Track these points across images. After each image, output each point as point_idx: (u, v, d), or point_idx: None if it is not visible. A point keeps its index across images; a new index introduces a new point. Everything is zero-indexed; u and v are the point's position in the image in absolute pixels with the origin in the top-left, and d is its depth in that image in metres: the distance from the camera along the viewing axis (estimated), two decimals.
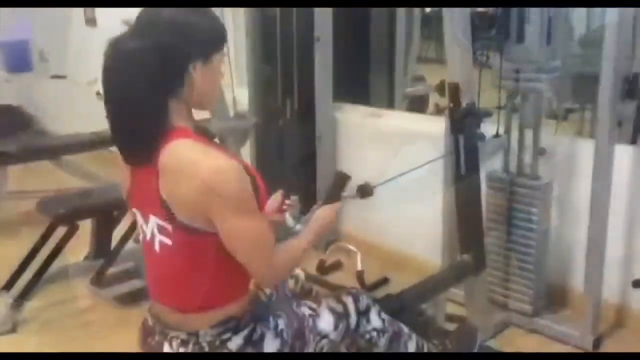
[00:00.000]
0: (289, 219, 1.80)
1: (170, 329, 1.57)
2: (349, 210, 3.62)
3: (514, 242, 2.74)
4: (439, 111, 3.82)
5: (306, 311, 1.73)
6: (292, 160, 3.64)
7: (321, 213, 1.73)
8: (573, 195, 2.79)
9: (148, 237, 1.55)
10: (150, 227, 1.52)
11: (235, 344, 1.55)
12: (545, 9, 2.39)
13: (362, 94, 3.87)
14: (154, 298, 1.63)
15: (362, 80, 3.97)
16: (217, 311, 1.54)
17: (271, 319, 1.66)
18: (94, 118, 4.74)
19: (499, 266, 2.80)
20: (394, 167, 3.33)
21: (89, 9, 5.83)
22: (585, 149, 2.68)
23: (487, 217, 2.78)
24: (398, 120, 3.57)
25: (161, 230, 1.50)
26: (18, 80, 6.86)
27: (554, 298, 2.88)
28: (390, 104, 4.01)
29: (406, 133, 3.33)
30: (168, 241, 1.50)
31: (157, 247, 1.53)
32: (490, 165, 2.75)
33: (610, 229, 2.57)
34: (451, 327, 2.43)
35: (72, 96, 6.13)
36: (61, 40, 6.36)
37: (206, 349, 1.54)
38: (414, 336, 1.99)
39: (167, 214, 1.45)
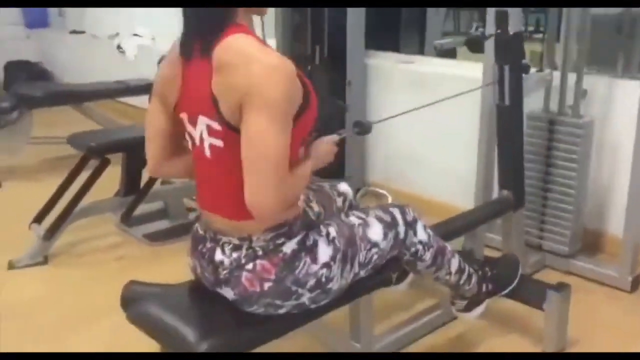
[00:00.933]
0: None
1: (223, 235, 1.55)
2: (376, 158, 3.69)
3: (553, 182, 2.70)
4: None
5: (355, 220, 1.72)
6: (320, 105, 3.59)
7: (318, 143, 1.66)
8: (614, 138, 2.75)
9: (197, 141, 1.52)
10: (199, 129, 1.49)
11: (289, 248, 1.53)
12: None
13: (393, 44, 3.81)
14: (204, 207, 1.61)
15: (393, 31, 3.91)
16: None
17: (322, 227, 1.64)
18: (113, 72, 4.79)
19: (535, 207, 2.76)
20: (429, 108, 3.34)
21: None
22: (629, 90, 2.63)
23: (526, 157, 2.73)
24: (429, 65, 3.52)
25: (211, 131, 1.46)
26: (37, 36, 6.85)
27: (589, 242, 2.85)
28: (421, 53, 3.94)
29: (438, 77, 3.28)
30: (219, 143, 1.46)
31: (207, 151, 1.50)
32: (531, 104, 2.71)
33: None
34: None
35: (92, 51, 6.10)
36: None
37: (259, 253, 1.52)
38: (457, 255, 1.98)
39: (216, 111, 1.42)
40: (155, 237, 3.07)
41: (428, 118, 3.37)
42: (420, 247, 1.85)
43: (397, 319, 2.31)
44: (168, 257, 2.82)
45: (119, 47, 5.62)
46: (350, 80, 3.48)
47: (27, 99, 3.90)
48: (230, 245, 1.54)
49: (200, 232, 1.62)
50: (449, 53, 4.32)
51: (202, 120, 1.47)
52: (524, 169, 2.56)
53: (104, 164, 2.88)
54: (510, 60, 2.25)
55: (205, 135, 1.48)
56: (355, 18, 3.39)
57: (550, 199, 2.73)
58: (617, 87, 2.74)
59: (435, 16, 4.01)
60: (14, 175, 4.00)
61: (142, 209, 3.18)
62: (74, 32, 6.43)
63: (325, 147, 1.67)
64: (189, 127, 1.53)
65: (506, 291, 2.17)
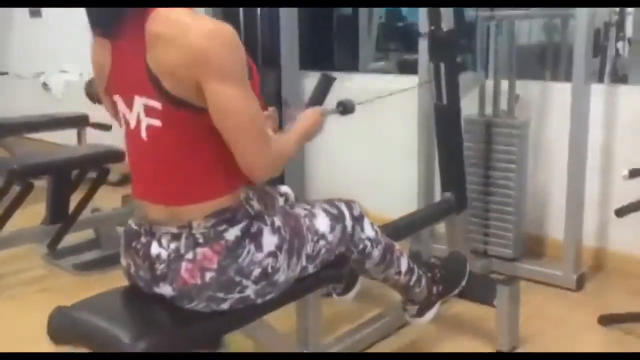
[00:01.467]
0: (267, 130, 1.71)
1: (160, 225, 1.44)
2: (317, 177, 3.63)
3: (494, 184, 2.70)
4: None
5: (301, 211, 1.64)
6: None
7: (307, 113, 1.65)
8: (550, 141, 2.79)
9: (133, 124, 1.42)
10: (136, 111, 1.40)
11: (232, 235, 1.43)
12: None
13: (328, 64, 3.82)
14: (140, 196, 1.50)
15: (327, 51, 3.93)
16: (211, 202, 1.43)
17: (266, 216, 1.55)
18: (39, 110, 4.60)
19: (478, 213, 2.75)
20: (362, 124, 3.33)
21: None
22: (560, 92, 2.69)
23: (466, 162, 2.73)
24: (364, 81, 3.52)
25: (149, 111, 1.38)
26: None
27: (532, 245, 2.86)
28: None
29: (375, 91, 3.27)
30: (157, 122, 1.38)
31: (144, 133, 1.41)
32: (466, 109, 2.72)
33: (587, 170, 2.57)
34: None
35: (17, 91, 5.87)
36: (3, 37, 6.12)
37: (200, 240, 1.41)
38: (405, 254, 1.92)
39: (155, 87, 1.34)
40: (85, 267, 2.89)
41: (367, 132, 3.38)
42: (368, 243, 1.78)
43: (346, 328, 2.22)
44: (99, 287, 2.62)
45: (44, 84, 5.43)
46: (286, 98, 3.44)
47: None
48: (168, 236, 1.43)
49: (134, 227, 1.50)
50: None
51: (139, 101, 1.38)
52: (465, 173, 2.56)
53: (27, 189, 2.70)
54: (445, 58, 2.26)
55: (142, 116, 1.39)
56: (289, 39, 3.38)
57: (492, 203, 2.73)
58: (549, 91, 2.79)
59: (366, 34, 4.05)
60: None
61: (72, 238, 3.00)
62: None
63: (315, 116, 1.64)
64: (122, 109, 1.44)
65: (456, 291, 2.12)
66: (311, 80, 3.55)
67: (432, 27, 2.23)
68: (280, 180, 3.47)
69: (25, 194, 2.71)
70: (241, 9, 3.46)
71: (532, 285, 2.63)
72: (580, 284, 2.59)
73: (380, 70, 4.38)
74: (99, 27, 1.40)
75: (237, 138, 1.35)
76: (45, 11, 5.55)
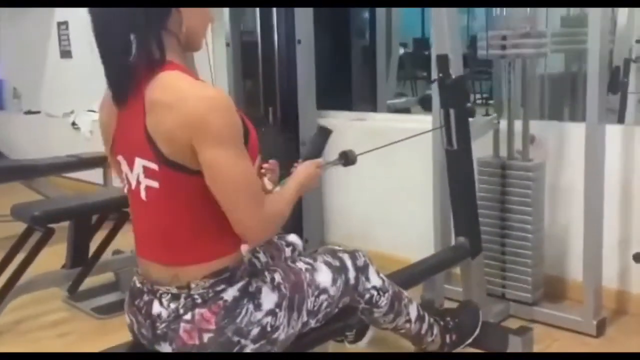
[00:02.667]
0: (267, 182, 1.73)
1: (161, 285, 1.46)
2: (334, 218, 3.64)
3: (510, 227, 2.66)
4: None
5: (302, 266, 1.65)
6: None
7: (303, 167, 1.65)
8: (567, 182, 2.75)
9: (134, 185, 1.45)
10: (136, 172, 1.43)
11: (230, 295, 1.45)
12: None
13: (345, 102, 3.85)
14: (142, 255, 1.53)
15: (345, 90, 3.95)
16: (209, 263, 1.44)
17: (266, 273, 1.56)
18: (69, 149, 4.71)
19: (494, 255, 2.72)
20: (379, 164, 3.33)
21: (64, 42, 5.80)
22: (576, 132, 2.66)
23: (481, 204, 2.71)
24: (382, 121, 3.54)
25: (147, 172, 1.41)
26: None
27: (551, 288, 2.80)
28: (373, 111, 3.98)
29: (391, 132, 3.28)
30: (155, 184, 1.40)
31: (143, 194, 1.44)
32: (481, 151, 2.71)
33: (605, 211, 2.52)
34: None
35: (47, 130, 6.04)
36: (35, 77, 6.32)
37: (198, 301, 1.43)
38: (414, 302, 1.91)
39: (152, 151, 1.37)
40: (104, 310, 2.93)
41: (383, 174, 3.38)
42: (374, 292, 1.77)
43: None
44: (117, 329, 2.65)
45: (73, 123, 5.58)
46: (304, 140, 3.47)
47: None
48: (169, 296, 1.45)
49: (138, 284, 1.52)
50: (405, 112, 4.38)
51: (139, 162, 1.42)
52: (480, 216, 2.53)
53: (48, 235, 2.75)
54: (455, 104, 2.25)
55: (141, 177, 1.42)
56: (306, 80, 3.42)
57: (509, 246, 2.68)
58: (565, 131, 2.76)
59: (383, 78, 4.07)
60: None
61: (91, 281, 3.05)
62: (29, 112, 6.38)
63: (309, 170, 1.64)
64: (125, 169, 1.47)
65: (469, 340, 2.09)
66: (328, 122, 3.59)
67: (440, 74, 2.23)
68: (299, 232, 3.50)
69: (46, 240, 2.76)
70: (259, 51, 3.53)
71: (551, 330, 2.57)
72: (600, 330, 2.52)
73: (401, 107, 4.41)
74: (119, 99, 1.43)
75: (230, 201, 1.36)
76: (75, 52, 5.72)
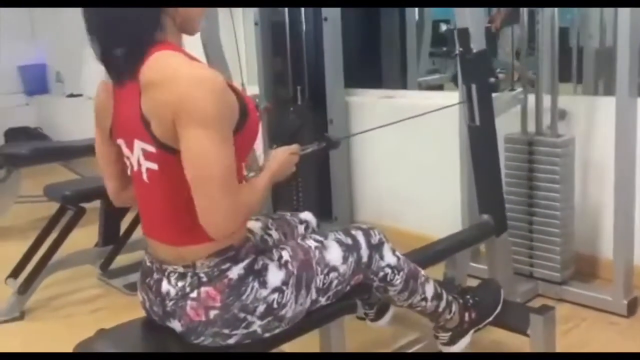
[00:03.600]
0: (244, 168, 1.69)
1: (168, 264, 1.48)
2: (364, 197, 3.62)
3: (537, 205, 2.61)
4: None
5: (312, 243, 1.63)
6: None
7: (278, 153, 1.60)
8: (598, 158, 2.67)
9: (135, 167, 1.46)
10: (136, 154, 1.44)
11: (235, 273, 1.45)
12: None
13: (374, 80, 3.80)
14: (149, 235, 1.54)
15: (374, 67, 3.91)
16: (213, 243, 1.43)
17: (274, 251, 1.56)
18: None
19: (522, 234, 2.67)
20: (407, 141, 3.29)
21: None
22: (607, 106, 2.57)
23: (508, 182, 2.66)
24: (410, 98, 3.49)
25: (146, 155, 1.41)
26: (36, 102, 6.96)
27: (582, 267, 2.73)
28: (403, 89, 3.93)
29: (420, 109, 3.23)
30: (154, 166, 1.41)
31: (145, 176, 1.44)
32: (509, 127, 2.65)
33: (638, 187, 2.44)
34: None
35: (88, 112, 6.13)
36: (76, 61, 6.44)
37: (204, 280, 1.44)
38: (431, 280, 1.88)
39: (148, 132, 1.36)
40: (135, 287, 2.96)
41: (412, 152, 3.34)
42: (389, 270, 1.75)
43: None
44: None
45: None
46: (332, 119, 3.46)
47: (12, 157, 3.90)
48: (176, 275, 1.46)
49: (148, 263, 1.55)
50: (437, 89, 4.30)
51: (138, 144, 1.42)
52: (506, 193, 2.49)
53: (79, 214, 2.83)
54: (477, 79, 2.20)
55: (142, 159, 1.43)
56: (333, 58, 3.39)
57: (537, 224, 2.63)
58: (596, 106, 2.67)
59: (413, 55, 4.00)
60: (1, 235, 3.96)
61: (123, 259, 3.12)
62: (71, 95, 6.53)
63: (283, 156, 1.59)
64: (126, 152, 1.48)
65: (490, 319, 2.05)
66: (357, 99, 3.56)
67: (461, 49, 2.18)
68: (328, 211, 3.50)
69: (78, 219, 2.83)
70: (287, 29, 3.52)
71: (580, 310, 2.52)
72: (632, 309, 2.46)
73: (434, 84, 4.33)
74: (120, 76, 1.41)
75: (200, 188, 1.31)
76: None
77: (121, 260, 3.10)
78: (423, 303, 1.87)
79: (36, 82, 7.02)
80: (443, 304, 1.91)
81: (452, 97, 3.20)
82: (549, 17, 2.51)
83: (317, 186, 3.57)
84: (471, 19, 2.20)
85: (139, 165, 1.44)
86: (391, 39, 3.94)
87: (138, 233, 3.19)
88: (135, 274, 3.07)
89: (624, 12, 2.23)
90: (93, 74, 6.37)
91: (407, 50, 3.92)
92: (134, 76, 1.37)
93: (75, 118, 6.40)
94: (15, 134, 6.56)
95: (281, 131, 3.58)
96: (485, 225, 2.38)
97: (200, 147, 1.29)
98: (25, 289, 2.75)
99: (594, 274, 2.75)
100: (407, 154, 3.36)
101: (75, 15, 5.97)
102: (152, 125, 1.35)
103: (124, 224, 3.09)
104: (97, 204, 3.03)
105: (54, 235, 2.90)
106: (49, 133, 6.71)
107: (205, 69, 1.35)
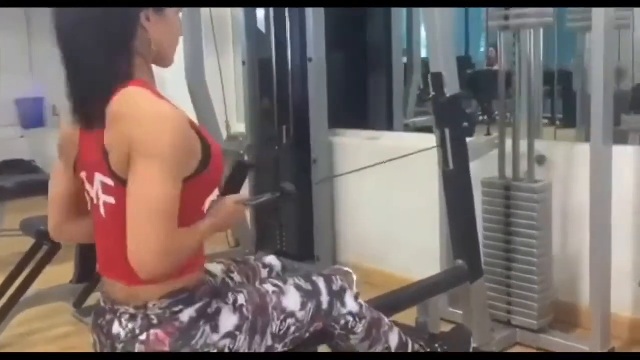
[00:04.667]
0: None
1: (120, 305, 1.45)
2: (346, 238, 3.59)
3: (515, 251, 2.58)
4: None
5: (270, 288, 1.60)
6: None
7: (225, 202, 1.51)
8: (574, 203, 2.65)
9: (95, 201, 1.45)
10: (96, 187, 1.42)
11: (187, 316, 1.42)
12: None
13: (360, 121, 3.81)
14: (103, 273, 1.52)
15: (360, 108, 3.92)
16: (167, 284, 1.40)
17: (230, 294, 1.53)
18: None
19: (499, 279, 2.63)
20: (391, 183, 3.28)
21: None
22: (584, 153, 2.56)
23: (485, 226, 2.64)
24: (396, 140, 3.49)
25: (105, 188, 1.39)
26: (32, 136, 6.99)
27: (562, 315, 2.69)
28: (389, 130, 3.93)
29: (405, 151, 3.23)
30: (111, 200, 1.39)
31: (102, 211, 1.42)
32: (486, 171, 2.64)
33: (615, 236, 2.41)
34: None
35: None
36: None
37: (155, 322, 1.41)
38: (396, 329, 1.84)
39: (107, 165, 1.35)
40: None
41: (396, 195, 3.33)
42: (350, 318, 1.72)
43: None
44: None
45: None
46: (315, 158, 3.45)
47: None
48: (127, 316, 1.43)
49: (102, 304, 1.52)
50: (427, 131, 4.29)
51: (98, 177, 1.40)
52: (483, 238, 2.47)
53: (54, 250, 2.80)
54: (450, 123, 2.20)
55: (100, 193, 1.41)
56: (318, 98, 3.40)
57: (514, 270, 2.59)
58: (573, 152, 2.67)
59: (400, 96, 4.02)
60: None
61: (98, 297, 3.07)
62: None
63: (229, 206, 1.52)
64: (87, 186, 1.46)
65: None
66: (342, 140, 3.56)
67: (434, 93, 2.18)
68: (310, 251, 3.47)
69: (52, 255, 2.81)
70: (274, 69, 3.54)
71: None
72: None
73: (422, 125, 4.32)
74: (90, 123, 1.38)
75: (135, 223, 1.27)
76: None
77: (96, 297, 3.05)
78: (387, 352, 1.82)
79: (33, 115, 7.07)
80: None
81: (431, 139, 3.21)
82: (526, 58, 2.51)
83: (299, 225, 3.55)
84: (445, 63, 2.21)
85: (98, 199, 1.42)
86: (378, 80, 3.96)
87: None
88: None
89: (598, 57, 2.23)
90: None
91: (394, 91, 3.93)
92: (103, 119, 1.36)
93: None
94: (9, 167, 6.56)
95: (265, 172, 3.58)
96: (459, 270, 2.35)
97: (143, 181, 1.27)
98: None
99: (573, 322, 2.71)
100: (391, 196, 3.35)
101: None
102: (110, 158, 1.34)
103: None
104: None
105: (28, 271, 2.87)
106: (43, 166, 6.70)
107: (169, 107, 1.34)
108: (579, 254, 2.67)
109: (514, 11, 2.41)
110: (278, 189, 1.65)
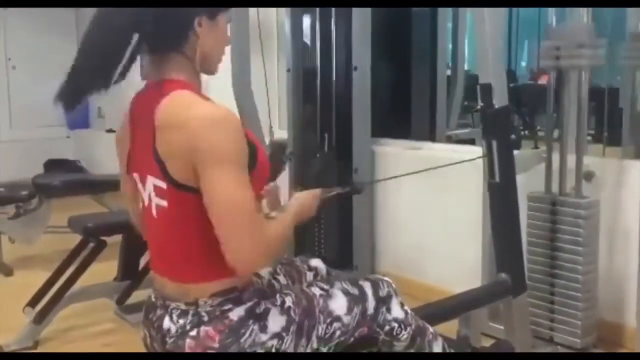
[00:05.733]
0: (265, 205, 1.70)
1: (171, 301, 1.47)
2: (385, 247, 3.58)
3: (559, 267, 2.54)
4: None
5: (317, 291, 1.61)
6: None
7: (302, 195, 1.62)
8: (626, 223, 2.60)
9: (146, 202, 1.48)
10: (148, 190, 1.46)
11: (236, 314, 1.44)
12: None
13: (402, 131, 3.81)
14: (156, 270, 1.55)
15: (403, 118, 3.92)
16: (218, 282, 1.44)
17: (278, 296, 1.55)
18: None
19: (543, 295, 2.59)
20: (432, 194, 3.27)
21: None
22: (633, 170, 2.52)
23: (529, 241, 2.61)
24: (437, 151, 3.47)
25: (157, 191, 1.43)
26: (77, 136, 7.16)
27: (606, 334, 2.64)
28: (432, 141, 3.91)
29: (445, 162, 3.22)
30: (164, 202, 1.42)
31: (154, 211, 1.46)
32: (533, 185, 2.61)
33: None
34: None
35: None
36: (118, 96, 6.61)
37: (205, 319, 1.43)
38: (440, 339, 1.83)
39: (161, 170, 1.38)
40: None
41: (436, 205, 3.31)
42: (395, 324, 1.71)
43: None
44: None
45: None
46: (357, 167, 3.46)
47: (44, 187, 3.99)
48: (178, 312, 1.46)
49: (152, 299, 1.55)
50: (468, 143, 4.27)
51: (150, 180, 1.44)
52: (527, 253, 2.44)
53: (99, 246, 2.86)
54: (497, 135, 2.18)
55: (152, 195, 1.45)
56: (361, 107, 3.42)
57: (558, 286, 2.56)
58: (624, 169, 2.62)
59: (443, 107, 4.01)
60: (28, 263, 4.03)
61: (142, 294, 3.12)
62: (110, 130, 6.69)
63: (307, 199, 1.61)
64: (139, 187, 1.50)
65: None
66: (384, 149, 3.56)
67: (483, 104, 2.17)
68: (349, 259, 3.48)
69: (98, 252, 2.87)
70: (318, 77, 3.57)
71: None
72: None
73: (464, 137, 4.30)
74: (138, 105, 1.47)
75: (225, 228, 1.32)
76: None
77: (138, 295, 3.11)
78: None
79: (78, 116, 7.23)
80: None
81: (477, 151, 3.19)
82: (576, 75, 2.49)
83: (339, 234, 3.55)
84: (494, 74, 2.20)
85: (150, 200, 1.46)
86: (422, 91, 3.95)
87: None
88: None
89: None
90: None
91: (437, 103, 3.92)
92: (148, 114, 1.40)
93: (112, 153, 6.53)
94: (54, 166, 6.73)
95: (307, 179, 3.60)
96: (502, 284, 2.32)
97: (225, 185, 1.31)
98: (40, 318, 2.78)
99: (617, 342, 2.65)
100: (431, 207, 3.34)
101: None
102: (169, 166, 1.37)
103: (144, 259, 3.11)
104: (118, 237, 3.05)
105: (74, 267, 2.93)
106: (87, 166, 6.86)
107: (219, 108, 1.37)
108: (625, 273, 2.62)
109: (566, 52, 2.40)
110: (349, 184, 1.71)
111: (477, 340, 2.28)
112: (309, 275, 1.86)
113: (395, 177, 2.15)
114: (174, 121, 1.36)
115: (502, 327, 2.56)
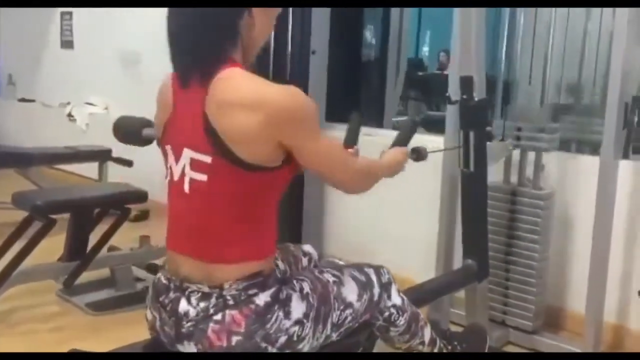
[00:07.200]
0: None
1: (191, 282, 1.43)
2: (333, 229, 3.61)
3: (516, 254, 2.67)
4: None
5: (330, 278, 1.62)
6: None
7: (392, 151, 1.83)
8: (573, 213, 2.77)
9: (177, 176, 1.44)
10: (182, 163, 1.42)
11: (262, 299, 1.42)
12: None
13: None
14: (174, 249, 1.49)
15: (354, 105, 3.96)
16: (245, 265, 1.42)
17: (295, 282, 1.54)
18: (64, 141, 4.65)
19: (498, 280, 2.72)
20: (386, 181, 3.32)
21: (66, 32, 5.74)
22: (587, 165, 2.68)
23: (489, 229, 2.72)
24: (389, 138, 3.52)
25: (195, 165, 1.39)
26: None
27: (550, 318, 2.81)
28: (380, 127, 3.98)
29: None
30: (202, 177, 1.39)
31: (186, 186, 1.42)
32: (491, 176, 2.72)
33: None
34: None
35: (41, 119, 5.96)
36: (33, 65, 6.24)
37: (230, 303, 1.40)
38: (429, 325, 1.89)
39: (213, 146, 1.35)
40: (98, 307, 2.87)
41: (387, 189, 3.36)
42: (394, 310, 1.76)
43: None
44: (112, 328, 2.63)
45: (69, 115, 5.51)
46: None
47: None
48: (199, 294, 1.42)
49: (164, 281, 1.49)
50: None
51: (187, 154, 1.40)
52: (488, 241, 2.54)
53: (49, 225, 2.70)
54: (475, 126, 2.26)
55: (187, 169, 1.41)
56: (318, 91, 3.41)
57: (514, 272, 2.69)
58: (577, 164, 2.79)
59: (391, 94, 4.08)
60: None
61: (88, 275, 2.99)
62: (22, 100, 6.30)
63: (399, 155, 1.81)
64: (171, 160, 1.46)
65: None
66: (337, 135, 3.57)
67: (464, 96, 2.24)
68: (297, 232, 3.48)
69: (46, 231, 2.71)
70: (271, 61, 3.51)
71: None
72: None
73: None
74: (189, 73, 1.40)
75: (332, 173, 1.50)
76: (77, 43, 5.66)
77: (83, 277, 2.97)
78: (420, 347, 1.87)
79: None
80: (436, 349, 1.93)
81: (430, 140, 3.27)
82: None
83: (288, 217, 3.54)
84: (476, 67, 2.27)
85: (182, 174, 1.42)
86: (371, 77, 4.00)
87: (105, 250, 3.08)
88: (97, 292, 3.01)
89: (615, 73, 2.33)
90: (48, 81, 6.21)
91: (387, 90, 3.98)
92: (200, 86, 1.35)
93: (26, 124, 6.18)
94: None
95: None
96: (469, 269, 2.42)
97: (324, 152, 1.44)
98: None
99: (560, 326, 2.83)
100: (382, 191, 3.38)
101: (36, 18, 5.92)
102: (232, 146, 1.34)
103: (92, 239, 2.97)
104: (65, 215, 2.90)
105: (18, 245, 2.75)
106: None
107: (282, 86, 1.36)
108: (572, 261, 2.79)
109: (527, 133, 2.60)
110: (413, 151, 1.94)
111: (445, 324, 2.37)
112: (304, 261, 1.87)
113: (449, 149, 2.24)
114: (238, 100, 1.33)
115: (457, 312, 2.68)
